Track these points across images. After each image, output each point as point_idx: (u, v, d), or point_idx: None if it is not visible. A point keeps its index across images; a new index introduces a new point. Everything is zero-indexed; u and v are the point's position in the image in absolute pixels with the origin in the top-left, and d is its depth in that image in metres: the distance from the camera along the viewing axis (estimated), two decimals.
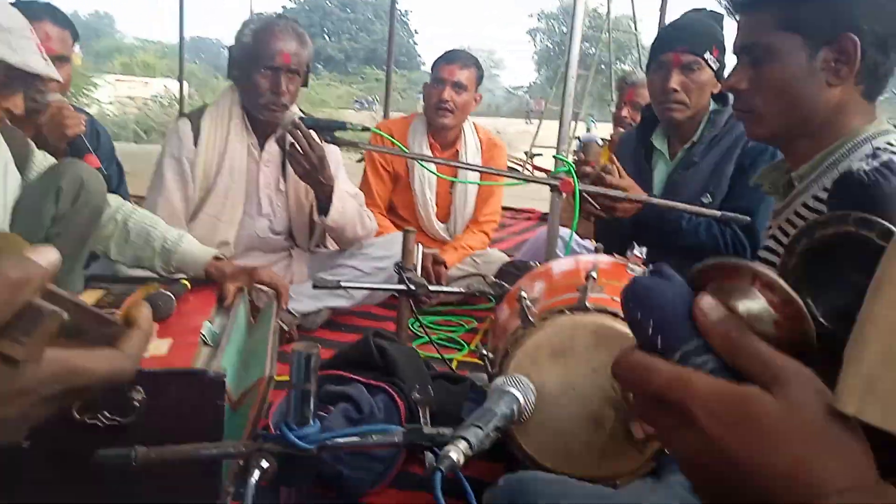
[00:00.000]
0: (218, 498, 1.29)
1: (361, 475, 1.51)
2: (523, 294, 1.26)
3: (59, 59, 2.19)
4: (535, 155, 9.21)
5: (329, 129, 2.22)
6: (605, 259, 1.61)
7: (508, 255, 3.45)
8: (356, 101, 24.27)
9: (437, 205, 3.13)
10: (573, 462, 1.19)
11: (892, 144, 1.22)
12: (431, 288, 1.99)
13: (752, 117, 1.35)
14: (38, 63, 1.49)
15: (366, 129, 2.43)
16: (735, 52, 1.40)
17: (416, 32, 53.19)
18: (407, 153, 2.63)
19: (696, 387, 0.48)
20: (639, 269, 1.49)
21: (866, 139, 1.24)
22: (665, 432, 0.51)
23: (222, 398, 1.28)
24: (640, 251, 1.52)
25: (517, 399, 1.07)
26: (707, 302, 0.51)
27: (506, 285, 2.05)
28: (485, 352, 1.32)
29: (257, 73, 2.38)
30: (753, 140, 1.79)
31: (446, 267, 2.87)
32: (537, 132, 9.94)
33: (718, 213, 1.97)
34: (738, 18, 1.37)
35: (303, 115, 2.34)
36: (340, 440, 0.99)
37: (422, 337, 2.38)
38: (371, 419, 1.58)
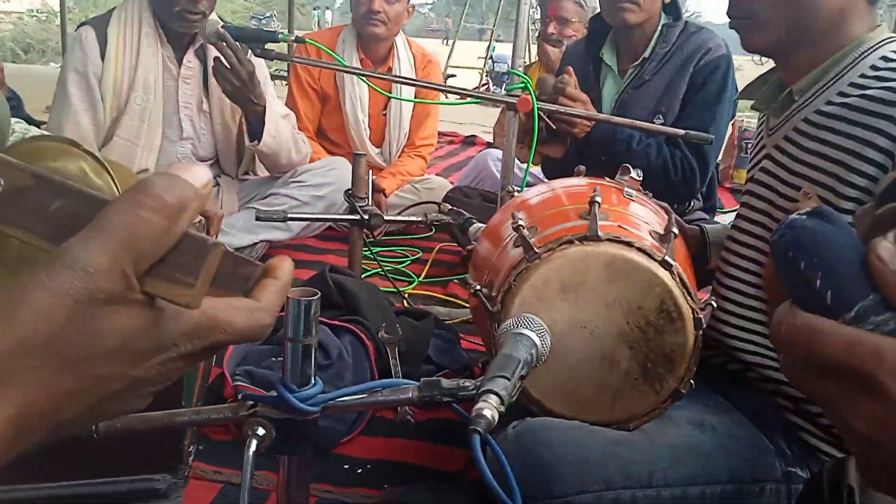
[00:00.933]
0: (181, 461, 1.15)
1: (334, 424, 1.39)
2: (521, 222, 1.13)
3: None
4: (450, 76, 8.96)
5: (258, 41, 1.98)
6: (596, 182, 1.50)
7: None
8: (252, 17, 22.91)
9: (370, 127, 2.93)
10: (585, 406, 1.11)
11: None
12: (387, 217, 1.85)
13: (751, 24, 1.24)
14: None
15: (299, 39, 2.20)
16: None
17: None
18: (346, 67, 2.41)
19: (886, 352, 0.40)
20: (635, 193, 1.39)
21: (871, 48, 1.16)
22: (837, 404, 0.43)
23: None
24: (636, 174, 1.41)
25: (534, 341, 0.96)
26: (888, 249, 0.42)
27: (464, 213, 1.93)
28: (478, 287, 1.18)
29: None
30: (749, 51, 1.69)
31: (385, 195, 2.70)
32: (451, 52, 9.64)
33: (682, 132, 1.89)
34: None
35: (226, 24, 2.08)
36: (347, 400, 0.86)
37: (369, 270, 2.25)
38: (340, 363, 1.46)
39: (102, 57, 2.15)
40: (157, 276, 0.37)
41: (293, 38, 2.08)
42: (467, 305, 2.02)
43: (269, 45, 1.96)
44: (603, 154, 2.11)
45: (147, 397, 0.43)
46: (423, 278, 2.38)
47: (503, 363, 0.88)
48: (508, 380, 0.85)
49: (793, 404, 1.22)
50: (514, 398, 0.86)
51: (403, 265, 2.50)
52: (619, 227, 1.14)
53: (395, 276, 2.33)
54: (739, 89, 1.68)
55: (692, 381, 1.11)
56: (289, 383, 0.83)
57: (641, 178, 1.44)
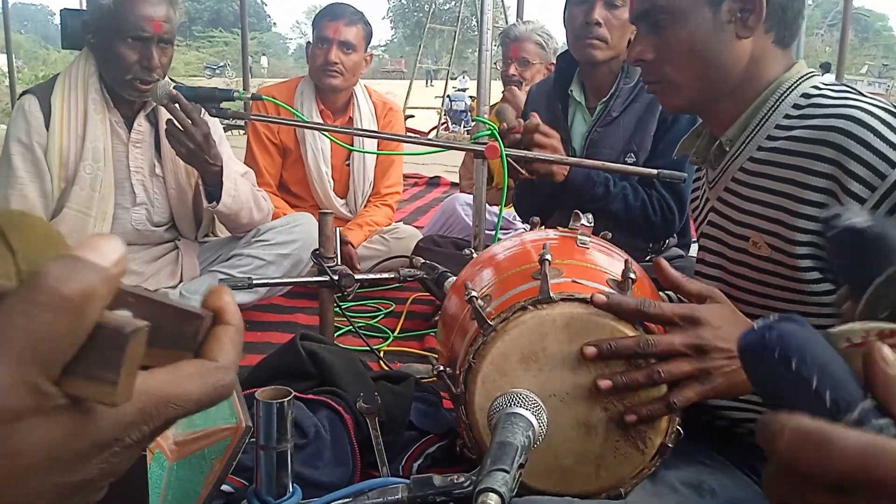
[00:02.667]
0: None
1: None
2: (473, 293, 1.07)
3: None
4: (408, 116, 8.98)
5: (214, 101, 1.91)
6: (549, 234, 1.45)
7: (408, 225, 3.26)
8: (206, 67, 22.92)
9: (333, 178, 2.85)
10: (569, 478, 1.04)
11: (819, 87, 1.15)
12: (358, 277, 1.76)
13: (665, 88, 1.25)
14: None
15: (255, 96, 2.13)
16: (633, 21, 1.29)
17: None
18: (307, 122, 2.34)
19: None
20: (589, 241, 1.33)
21: (790, 88, 1.16)
22: None
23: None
24: (587, 219, 1.36)
25: (530, 421, 0.88)
26: (888, 353, 0.41)
27: (438, 267, 1.86)
28: (442, 368, 1.11)
29: (122, 43, 2.01)
30: (671, 111, 1.68)
31: (353, 247, 2.62)
32: (408, 93, 9.67)
33: (655, 171, 1.85)
34: None
35: (178, 85, 2.00)
36: None
37: (341, 328, 2.15)
38: (318, 441, 1.36)
39: (47, 126, 2.05)
40: (73, 374, 0.32)
41: (249, 95, 2.01)
42: None
43: (224, 103, 1.90)
44: (582, 197, 2.07)
45: (101, 490, 0.37)
46: (398, 333, 2.30)
47: (499, 453, 0.80)
48: (508, 472, 0.77)
49: None
50: (515, 492, 0.78)
51: (376, 320, 2.41)
52: (574, 282, 1.09)
53: (369, 333, 2.24)
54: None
55: (680, 430, 1.05)
56: (264, 496, 0.74)
57: (593, 224, 1.39)
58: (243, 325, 0.43)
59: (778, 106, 1.15)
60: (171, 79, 2.15)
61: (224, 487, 1.28)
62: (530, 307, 1.03)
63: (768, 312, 1.13)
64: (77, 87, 2.10)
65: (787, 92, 1.15)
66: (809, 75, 1.17)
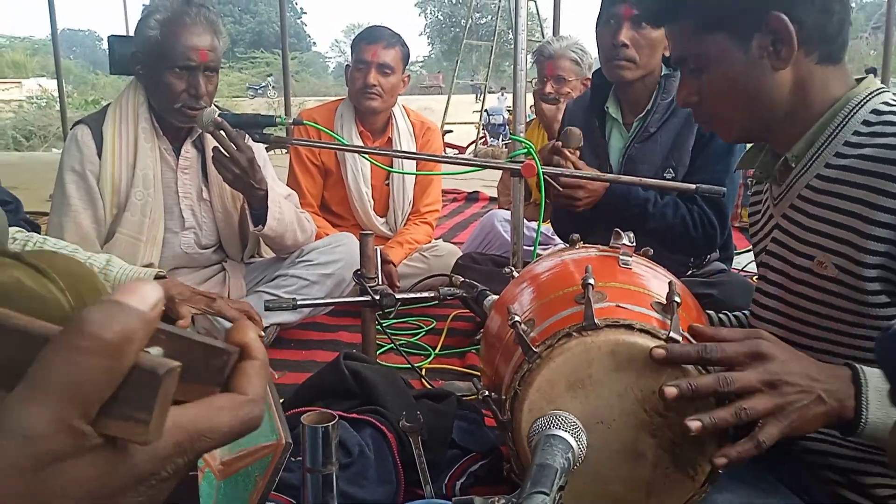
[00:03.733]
0: None
1: None
2: (517, 318, 1.08)
3: None
4: (447, 132, 9.04)
5: (257, 126, 1.97)
6: (590, 252, 1.45)
7: (446, 241, 3.29)
8: (249, 88, 23.39)
9: (373, 198, 2.90)
10: None
11: (890, 104, 1.12)
12: (399, 296, 1.80)
13: (718, 126, 1.26)
14: None
15: (297, 121, 2.19)
16: (673, 66, 1.33)
17: (304, 12, 51.83)
18: (345, 145, 2.39)
19: None
20: (631, 260, 1.33)
21: (860, 103, 1.14)
22: None
23: (194, 466, 1.05)
24: (628, 238, 1.36)
25: (569, 443, 0.90)
26: None
27: (477, 285, 1.88)
28: (487, 394, 1.12)
29: (170, 73, 2.08)
30: (731, 142, 1.68)
31: (394, 265, 2.66)
32: (446, 108, 9.74)
33: (693, 186, 1.85)
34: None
35: (223, 112, 2.07)
36: None
37: (382, 346, 2.19)
38: (362, 459, 1.38)
39: (99, 155, 2.14)
40: (108, 415, 0.34)
41: (290, 120, 2.07)
42: None
43: (267, 129, 1.96)
44: (619, 217, 2.08)
45: None
46: (439, 351, 2.32)
47: (539, 475, 0.82)
48: (547, 494, 0.79)
49: (844, 478, 1.15)
50: None
51: (417, 337, 2.44)
52: (617, 307, 1.08)
53: (410, 351, 2.27)
54: None
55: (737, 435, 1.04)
56: None
57: (634, 244, 1.39)
58: (267, 358, 0.45)
59: (847, 122, 1.13)
60: (216, 105, 2.22)
61: None
62: (575, 333, 1.03)
63: (829, 334, 1.11)
64: (127, 117, 2.18)
65: (857, 108, 1.13)
66: (879, 91, 1.15)
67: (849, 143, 1.11)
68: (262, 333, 1.72)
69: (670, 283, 1.15)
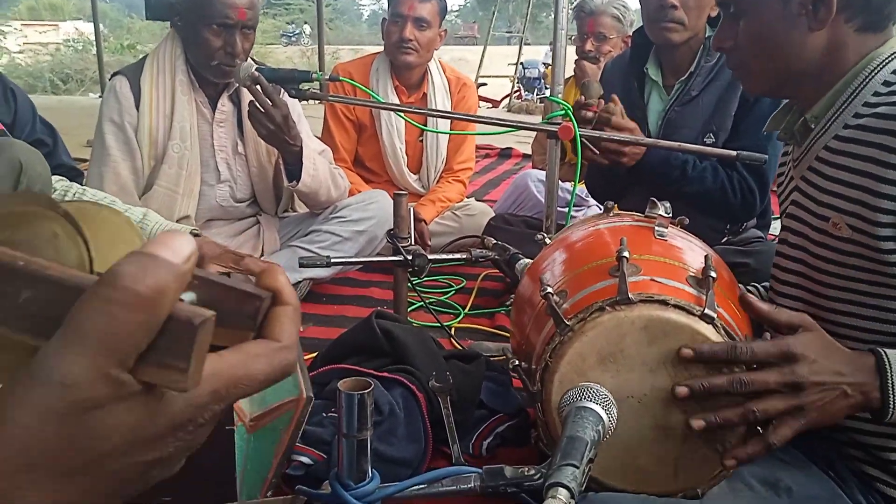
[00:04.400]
0: None
1: None
2: (549, 289, 1.08)
3: None
4: (481, 85, 8.92)
5: (293, 81, 1.96)
6: (625, 222, 1.43)
7: (478, 200, 3.28)
8: (283, 35, 23.25)
9: (407, 154, 2.89)
10: (647, 478, 1.04)
11: None
12: (431, 257, 1.80)
13: (745, 74, 1.26)
14: None
15: (333, 77, 2.17)
16: (718, 6, 1.32)
17: None
18: (381, 103, 2.37)
19: None
20: (667, 232, 1.31)
21: (881, 64, 1.12)
22: None
23: (230, 420, 1.08)
24: (664, 208, 1.34)
25: (600, 416, 0.90)
26: None
27: (510, 248, 1.88)
28: (518, 363, 1.13)
29: (207, 29, 2.08)
30: (753, 94, 1.66)
31: (426, 223, 2.66)
32: (482, 60, 9.60)
33: (734, 153, 1.81)
34: None
35: (260, 66, 2.06)
36: (407, 493, 0.82)
37: (413, 304, 2.21)
38: (392, 418, 1.41)
39: (137, 107, 2.15)
40: (147, 362, 0.34)
41: (327, 76, 2.06)
42: None
43: (303, 84, 1.95)
44: (657, 180, 2.05)
45: (178, 463, 0.40)
46: (469, 310, 2.34)
47: (569, 448, 0.83)
48: (577, 467, 0.80)
49: (867, 455, 1.15)
50: (584, 486, 0.80)
51: (447, 296, 2.46)
52: (652, 280, 1.08)
53: (440, 310, 2.29)
54: None
55: (759, 431, 1.04)
56: (345, 479, 0.79)
57: (671, 215, 1.37)
58: (299, 304, 0.44)
59: (868, 83, 1.11)
60: (252, 59, 2.21)
61: (304, 459, 1.35)
62: (608, 308, 1.03)
63: (849, 295, 1.11)
64: (164, 69, 2.19)
65: (878, 68, 1.11)
66: None
67: (867, 103, 1.11)
68: None
69: (706, 256, 1.14)
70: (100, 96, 9.57)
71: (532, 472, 0.81)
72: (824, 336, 1.01)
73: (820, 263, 1.15)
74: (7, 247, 0.36)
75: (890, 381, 0.95)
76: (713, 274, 1.06)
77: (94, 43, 9.99)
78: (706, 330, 1.01)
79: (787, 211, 1.25)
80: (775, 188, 1.46)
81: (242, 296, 0.40)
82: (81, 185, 2.00)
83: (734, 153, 1.80)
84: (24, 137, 1.79)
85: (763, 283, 1.44)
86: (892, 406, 0.95)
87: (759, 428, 1.01)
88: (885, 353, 0.98)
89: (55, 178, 1.72)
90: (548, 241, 1.51)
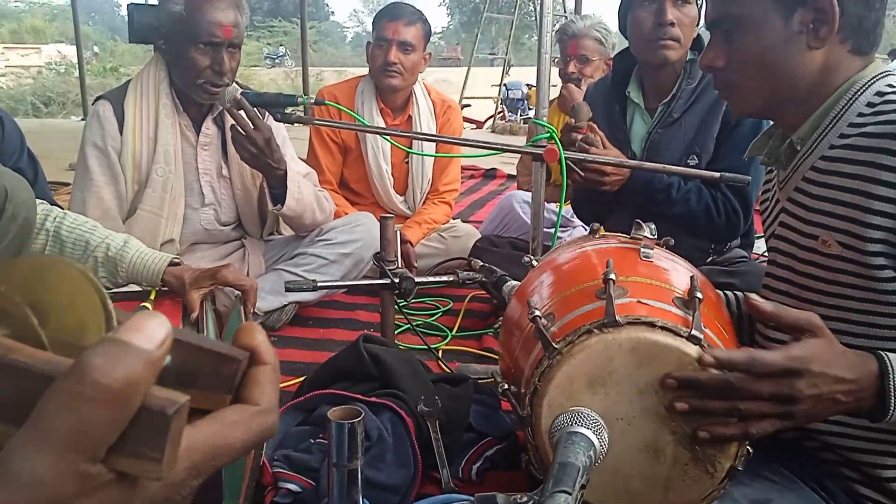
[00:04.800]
0: None
1: None
2: (537, 312, 1.08)
3: None
4: (464, 106, 8.97)
5: (279, 105, 1.96)
6: (611, 243, 1.44)
7: (463, 221, 3.28)
8: (266, 57, 23.30)
9: (393, 176, 2.90)
10: (636, 502, 1.04)
11: (893, 86, 1.13)
12: (417, 279, 1.80)
13: (735, 94, 1.26)
14: None
15: (318, 101, 2.18)
16: (707, 28, 1.29)
17: None
18: (366, 126, 2.38)
19: None
20: (653, 253, 1.32)
21: (864, 86, 1.14)
22: None
23: None
24: (650, 230, 1.35)
25: (591, 441, 0.90)
26: None
27: (496, 270, 1.88)
28: (507, 387, 1.13)
29: (193, 49, 2.07)
30: (740, 116, 1.69)
31: (412, 245, 2.66)
32: (465, 81, 9.66)
33: (717, 174, 1.83)
34: None
35: (245, 91, 2.06)
36: None
37: (400, 325, 2.19)
38: (381, 444, 1.40)
39: (121, 131, 2.14)
40: (119, 452, 0.33)
41: (312, 100, 2.06)
42: None
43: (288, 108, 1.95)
44: (641, 201, 2.06)
45: None
46: (456, 332, 2.33)
47: (561, 474, 0.82)
48: (570, 493, 0.79)
49: (859, 474, 1.15)
50: None
51: (434, 318, 2.45)
52: (639, 302, 1.08)
53: (427, 332, 2.28)
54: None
55: (749, 452, 1.04)
56: None
57: (656, 236, 1.37)
58: (277, 361, 0.43)
59: (851, 105, 1.14)
60: (237, 83, 2.21)
61: (292, 486, 1.34)
62: (596, 330, 1.03)
63: (839, 312, 1.12)
64: (148, 93, 2.18)
65: (861, 90, 1.14)
66: (884, 74, 1.15)
67: (853, 124, 1.12)
68: (252, 310, 1.71)
69: (692, 277, 1.15)
70: (82, 119, 9.54)
71: (524, 499, 0.81)
72: (831, 341, 1.01)
73: (808, 281, 1.16)
74: None
75: (891, 384, 0.97)
76: (699, 295, 1.07)
77: (77, 66, 9.97)
78: (693, 351, 1.01)
79: (775, 232, 1.27)
80: (758, 208, 1.48)
81: (219, 358, 0.39)
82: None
83: (718, 175, 1.82)
84: (9, 166, 1.78)
85: (743, 293, 1.45)
86: (892, 408, 0.97)
87: (748, 448, 1.02)
88: (887, 356, 0.99)
89: (38, 201, 1.70)
90: (535, 263, 1.51)
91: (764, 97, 1.21)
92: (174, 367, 0.36)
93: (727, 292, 1.45)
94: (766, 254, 1.34)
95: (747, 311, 1.09)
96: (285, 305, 2.29)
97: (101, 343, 0.33)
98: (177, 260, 1.70)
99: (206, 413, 0.39)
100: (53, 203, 1.95)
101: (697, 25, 2.15)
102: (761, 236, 3.19)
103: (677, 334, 1.02)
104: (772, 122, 1.31)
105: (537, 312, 1.07)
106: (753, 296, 1.05)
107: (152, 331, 0.34)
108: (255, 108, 2.03)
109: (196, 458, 0.36)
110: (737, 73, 1.21)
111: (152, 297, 1.65)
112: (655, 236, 1.42)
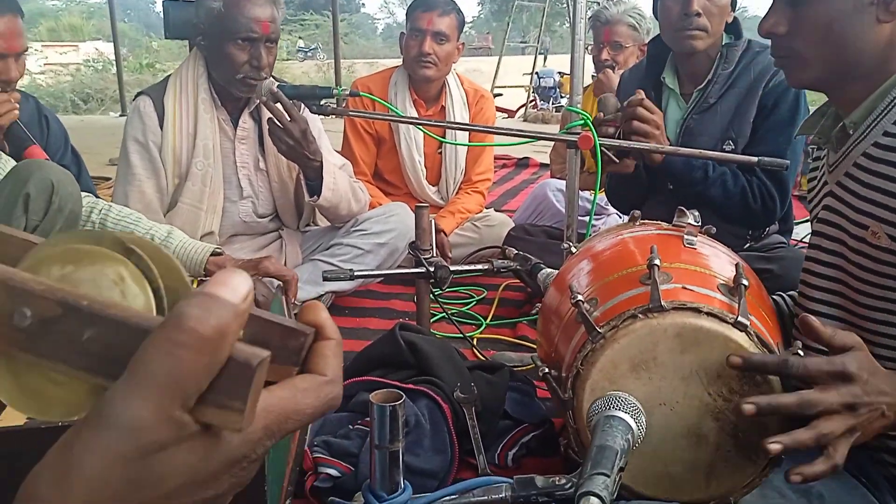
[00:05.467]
0: None
1: None
2: (580, 297, 1.08)
3: (18, 56, 1.89)
4: (496, 95, 8.93)
5: (314, 98, 1.99)
6: (652, 231, 1.43)
7: (496, 210, 3.28)
8: (299, 50, 23.45)
9: (426, 167, 2.91)
10: (678, 486, 1.04)
11: None
12: (452, 268, 1.81)
13: (794, 62, 1.21)
14: None
15: (353, 92, 2.20)
16: None
17: None
18: (400, 116, 2.40)
19: None
20: (696, 240, 1.31)
21: None
22: None
23: None
24: (693, 217, 1.33)
25: (629, 424, 0.91)
26: None
27: (531, 258, 1.89)
28: (548, 371, 1.13)
29: (232, 44, 2.11)
30: (796, 87, 1.63)
31: (446, 234, 2.68)
32: (497, 70, 9.62)
33: (755, 159, 1.81)
34: None
35: (282, 84, 2.09)
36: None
37: (435, 315, 2.21)
38: (418, 429, 1.42)
39: (161, 126, 2.19)
40: (205, 403, 0.35)
41: (347, 92, 2.09)
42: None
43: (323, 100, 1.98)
44: (679, 182, 2.04)
45: (229, 497, 0.40)
46: (491, 321, 2.34)
47: (599, 457, 0.83)
48: (608, 476, 0.80)
49: None
50: (616, 494, 0.81)
51: (469, 307, 2.47)
52: (684, 288, 1.08)
53: (462, 320, 2.30)
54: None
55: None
56: (378, 490, 0.80)
57: (700, 223, 1.36)
58: (340, 336, 0.45)
59: None
60: (273, 77, 2.24)
61: (332, 471, 1.36)
62: (641, 315, 1.03)
63: (888, 304, 1.10)
64: (187, 89, 2.22)
65: None
66: None
67: None
68: (294, 300, 1.75)
69: (737, 264, 1.14)
70: (120, 115, 9.71)
71: (563, 481, 0.82)
72: (869, 356, 1.00)
73: (857, 271, 1.14)
74: (68, 282, 0.37)
75: None
76: (745, 282, 1.06)
77: (114, 62, 10.15)
78: (739, 337, 1.00)
79: (819, 216, 1.24)
80: (804, 193, 1.45)
81: (287, 332, 0.41)
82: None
83: (755, 159, 1.80)
84: (55, 162, 1.83)
85: (789, 293, 1.43)
86: None
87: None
88: None
89: (83, 194, 1.75)
90: (573, 250, 1.51)
91: (825, 68, 1.17)
92: (246, 339, 0.37)
93: (776, 296, 1.43)
94: (804, 239, 1.32)
95: (802, 332, 1.07)
96: (322, 295, 2.32)
97: (194, 296, 0.35)
98: (219, 250, 1.74)
99: (274, 385, 0.41)
100: (97, 197, 2.00)
101: (733, 11, 2.13)
102: (800, 222, 3.16)
103: (723, 320, 1.01)
104: (823, 100, 1.28)
105: (580, 297, 1.08)
106: (811, 317, 1.03)
107: (237, 285, 0.36)
108: (291, 101, 2.06)
109: (270, 420, 0.38)
110: (801, 41, 1.18)
111: (195, 286, 1.69)
112: (699, 223, 1.41)
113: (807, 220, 2.72)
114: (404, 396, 0.78)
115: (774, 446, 0.93)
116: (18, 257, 0.40)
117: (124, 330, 0.36)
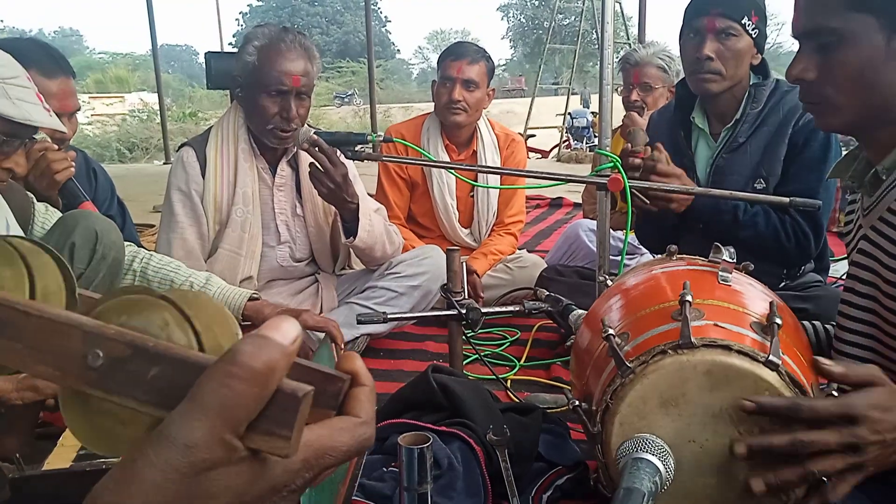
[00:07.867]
0: None
1: None
2: (611, 331, 1.09)
3: (71, 115, 1.99)
4: (529, 136, 9.01)
5: (349, 144, 2.05)
6: (686, 266, 1.43)
7: (529, 251, 3.30)
8: (336, 97, 23.98)
9: (458, 210, 2.96)
10: None
11: None
12: (484, 310, 1.83)
13: (824, 108, 1.22)
14: (40, 116, 1.32)
15: (387, 139, 2.26)
16: (796, 37, 1.25)
17: (388, 20, 52.51)
18: (433, 161, 2.45)
19: None
20: (731, 277, 1.31)
21: None
22: None
23: None
24: (728, 253, 1.33)
25: (656, 466, 0.91)
26: None
27: (562, 299, 1.90)
28: (577, 403, 1.14)
29: (264, 96, 2.20)
30: (826, 130, 1.64)
31: (478, 276, 2.70)
32: (530, 111, 9.72)
33: (786, 199, 1.81)
34: None
35: (318, 131, 2.17)
36: None
37: (468, 357, 2.23)
38: (451, 472, 1.43)
39: (203, 175, 2.27)
40: (255, 430, 0.40)
41: (381, 138, 2.15)
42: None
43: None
44: (709, 225, 2.05)
45: None
46: (524, 362, 2.35)
47: (626, 499, 0.84)
48: None
49: None
50: None
51: (502, 348, 2.48)
52: (715, 325, 1.08)
53: (495, 362, 2.31)
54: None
55: (824, 480, 1.02)
56: None
57: (735, 260, 1.36)
58: (373, 382, 0.50)
59: None
60: (309, 125, 2.32)
61: None
62: (670, 351, 1.03)
63: None
64: (228, 139, 2.31)
65: None
66: None
67: None
68: (342, 346, 1.80)
69: (771, 303, 1.14)
70: (164, 163, 10.00)
71: None
72: (891, 389, 1.00)
73: (890, 316, 1.14)
74: (126, 329, 0.42)
75: None
76: (778, 320, 1.06)
77: (159, 112, 10.52)
78: (770, 377, 1.00)
79: (854, 259, 1.24)
80: (842, 229, 1.45)
81: (326, 377, 0.46)
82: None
83: (787, 200, 1.79)
84: (102, 212, 1.92)
85: (828, 325, 1.42)
86: None
87: (823, 478, 1.00)
88: None
89: (126, 243, 1.82)
90: (609, 283, 1.52)
91: (855, 113, 1.18)
92: None
93: (805, 322, 1.43)
94: (843, 277, 1.31)
95: (815, 371, 1.07)
96: (357, 337, 2.36)
97: (249, 336, 0.41)
98: (256, 295, 1.79)
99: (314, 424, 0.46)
100: (140, 245, 2.08)
101: (760, 53, 2.15)
102: (837, 259, 3.11)
103: (754, 359, 1.01)
104: (854, 144, 1.29)
105: (611, 331, 1.09)
106: (822, 359, 1.03)
107: (287, 329, 0.41)
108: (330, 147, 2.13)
109: (309, 454, 0.43)
110: (830, 87, 1.18)
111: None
112: (734, 260, 1.41)
113: (844, 258, 2.69)
114: (432, 439, 0.80)
115: (757, 485, 0.96)
116: (81, 311, 0.45)
117: (185, 367, 0.41)
